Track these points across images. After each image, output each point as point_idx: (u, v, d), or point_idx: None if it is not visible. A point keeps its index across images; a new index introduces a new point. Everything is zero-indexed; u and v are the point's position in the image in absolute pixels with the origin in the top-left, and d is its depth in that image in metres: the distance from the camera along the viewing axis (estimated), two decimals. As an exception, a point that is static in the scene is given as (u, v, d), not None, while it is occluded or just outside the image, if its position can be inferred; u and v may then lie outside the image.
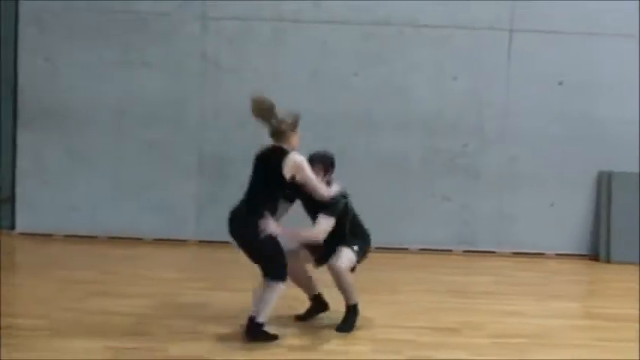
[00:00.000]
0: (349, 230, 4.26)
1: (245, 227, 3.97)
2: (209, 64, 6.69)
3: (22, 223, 6.79)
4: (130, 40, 6.66)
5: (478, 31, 6.72)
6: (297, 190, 4.10)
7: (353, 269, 4.24)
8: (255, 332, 3.94)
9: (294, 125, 4.04)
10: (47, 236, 6.69)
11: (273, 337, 3.98)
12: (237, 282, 5.13)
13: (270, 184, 4.00)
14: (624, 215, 6.73)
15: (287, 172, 3.92)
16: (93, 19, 6.63)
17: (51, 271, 5.40)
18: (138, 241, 6.71)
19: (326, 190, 4.08)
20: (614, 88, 6.78)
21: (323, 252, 4.21)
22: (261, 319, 3.94)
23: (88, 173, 6.73)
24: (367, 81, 6.71)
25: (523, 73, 6.75)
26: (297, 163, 3.93)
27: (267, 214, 3.91)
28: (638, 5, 6.71)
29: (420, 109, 6.75)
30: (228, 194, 6.61)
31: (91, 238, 6.70)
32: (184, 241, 6.78)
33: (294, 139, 4.05)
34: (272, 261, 3.96)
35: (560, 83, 6.79)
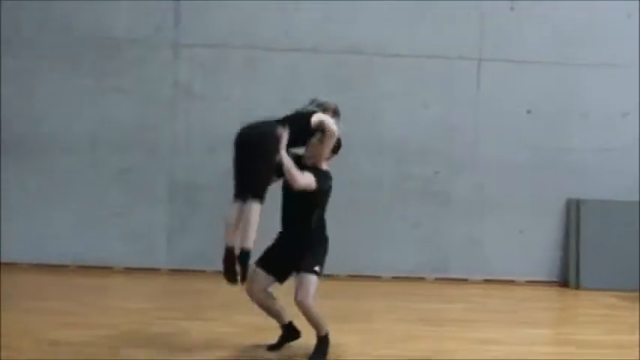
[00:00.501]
0: (315, 226, 4.20)
1: (259, 136, 3.96)
2: (181, 91, 6.68)
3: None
4: (104, 66, 6.64)
5: (448, 60, 6.81)
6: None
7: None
8: (244, 260, 3.83)
9: None
10: (15, 265, 6.56)
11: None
12: (209, 311, 5.07)
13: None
14: (593, 242, 6.81)
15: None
16: (66, 45, 6.60)
17: (17, 302, 5.27)
18: (109, 269, 6.63)
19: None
20: (582, 116, 6.91)
21: (287, 269, 4.18)
22: (248, 245, 3.83)
23: (58, 201, 6.65)
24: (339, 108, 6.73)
25: (492, 101, 6.85)
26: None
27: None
28: (606, 34, 6.87)
29: (391, 136, 6.80)
30: (200, 222, 6.68)
31: (60, 267, 6.59)
32: (156, 269, 6.71)
33: None
34: (261, 180, 3.92)
35: (529, 112, 6.90)
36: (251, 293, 4.16)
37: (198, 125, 6.65)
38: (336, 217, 6.60)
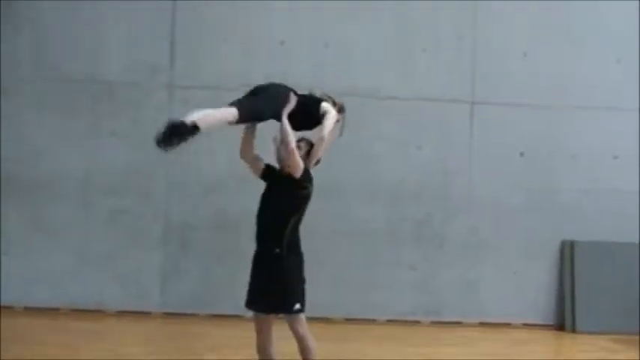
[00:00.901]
0: (288, 241, 4.16)
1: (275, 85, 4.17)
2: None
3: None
4: (99, 109, 6.66)
5: (441, 103, 6.87)
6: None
7: None
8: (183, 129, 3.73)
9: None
10: (6, 309, 6.46)
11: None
12: (203, 354, 5.01)
13: None
14: (588, 284, 6.79)
15: None
16: (61, 88, 6.63)
17: (8, 346, 5.19)
18: (101, 313, 6.55)
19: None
20: (574, 158, 6.96)
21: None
22: (196, 120, 3.75)
23: (51, 243, 6.60)
24: (333, 150, 6.75)
25: (486, 143, 6.89)
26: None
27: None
28: (596, 79, 6.96)
29: (386, 178, 6.82)
30: (193, 264, 6.64)
31: (52, 311, 6.51)
32: (148, 313, 6.63)
33: None
34: (254, 103, 4.00)
35: (522, 154, 6.94)
36: (262, 349, 4.09)
37: (192, 167, 6.65)
38: (330, 260, 6.65)
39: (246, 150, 4.25)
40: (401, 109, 6.84)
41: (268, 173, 4.26)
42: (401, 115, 6.84)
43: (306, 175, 4.19)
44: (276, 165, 4.25)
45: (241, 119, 3.91)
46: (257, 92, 4.12)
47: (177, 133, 3.78)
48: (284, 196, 4.10)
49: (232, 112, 3.88)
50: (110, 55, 6.68)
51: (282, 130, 4.07)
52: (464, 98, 6.92)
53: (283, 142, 4.07)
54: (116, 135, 6.65)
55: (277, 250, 4.06)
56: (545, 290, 6.93)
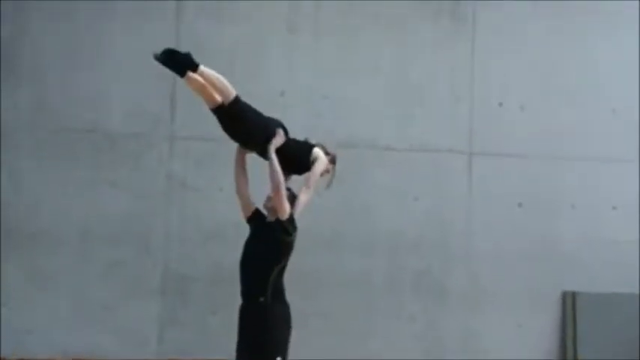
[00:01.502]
0: (272, 290, 4.10)
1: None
2: (175, 183, 6.72)
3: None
4: (99, 159, 6.69)
5: (437, 154, 6.92)
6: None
7: None
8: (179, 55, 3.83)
9: None
10: (1, 360, 6.43)
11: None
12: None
13: None
14: (591, 336, 6.72)
15: None
16: (62, 138, 6.67)
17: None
18: (97, 363, 6.48)
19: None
20: (575, 208, 6.97)
21: None
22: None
23: (47, 294, 6.55)
24: (330, 201, 6.78)
25: (483, 194, 6.92)
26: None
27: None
28: (592, 129, 7.02)
29: (383, 228, 6.81)
30: (191, 315, 6.59)
31: (47, 362, 6.45)
32: (146, 364, 6.56)
33: None
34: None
35: (520, 205, 6.95)
36: None
37: (191, 217, 6.66)
38: (329, 311, 6.61)
39: (241, 183, 4.26)
40: (398, 159, 6.88)
41: (256, 218, 4.26)
42: (398, 165, 6.88)
43: (292, 221, 4.19)
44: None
45: (234, 105, 3.92)
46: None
47: (176, 59, 3.91)
48: (268, 243, 4.10)
49: (232, 91, 3.93)
50: (111, 106, 6.74)
51: (270, 166, 4.08)
52: (461, 149, 6.97)
53: (270, 177, 4.07)
54: (116, 185, 6.67)
55: (262, 299, 4.03)
56: (547, 341, 6.86)
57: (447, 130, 6.96)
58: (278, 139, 4.22)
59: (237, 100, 4.12)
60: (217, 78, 4.05)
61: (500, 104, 7.04)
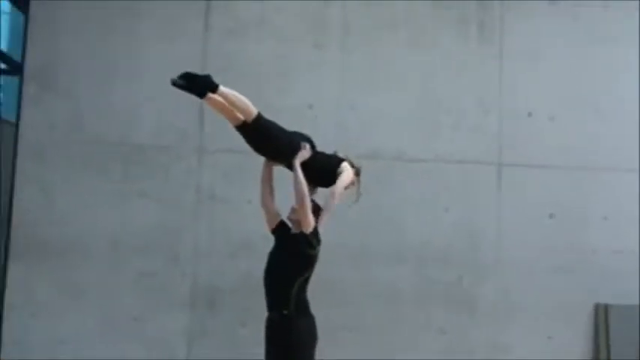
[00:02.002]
0: (295, 303, 4.09)
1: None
2: (204, 195, 6.78)
3: (8, 357, 6.60)
4: (128, 171, 6.78)
5: (466, 165, 6.88)
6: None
7: None
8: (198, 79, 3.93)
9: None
10: (31, 371, 6.50)
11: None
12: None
13: None
14: (623, 349, 6.62)
15: None
16: (92, 151, 6.77)
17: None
18: (126, 375, 6.53)
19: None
20: (606, 219, 6.88)
21: None
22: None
23: (78, 306, 6.63)
24: (357, 213, 6.76)
25: (513, 205, 6.85)
26: None
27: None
28: (624, 141, 6.94)
29: (412, 240, 6.78)
30: (220, 326, 6.61)
31: (78, 373, 6.51)
32: (174, 375, 6.60)
33: None
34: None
35: (551, 216, 6.88)
36: None
37: (220, 229, 6.70)
38: (358, 323, 6.59)
39: (266, 195, 4.29)
40: (426, 171, 6.86)
41: (280, 229, 4.26)
42: (426, 177, 6.85)
43: (316, 234, 4.19)
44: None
45: (256, 122, 3.99)
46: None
47: (195, 82, 4.03)
48: (291, 256, 4.10)
49: (254, 109, 3.99)
50: (142, 120, 6.83)
51: (295, 178, 4.10)
52: (490, 160, 6.92)
53: (295, 190, 4.08)
54: (146, 197, 6.74)
55: (285, 312, 4.04)
56: (579, 354, 6.76)
57: (476, 140, 6.93)
58: (304, 153, 4.25)
59: (259, 117, 4.17)
60: (237, 97, 4.11)
61: (530, 114, 6.99)
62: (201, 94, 4.01)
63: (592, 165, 6.92)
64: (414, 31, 7.01)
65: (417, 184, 6.85)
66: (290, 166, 4.31)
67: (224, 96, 4.08)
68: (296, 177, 4.18)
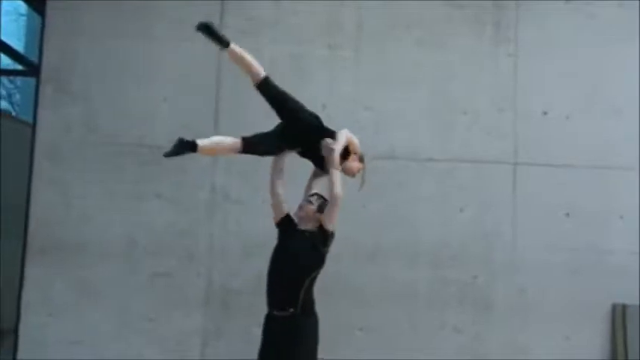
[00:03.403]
0: (302, 302, 4.09)
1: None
2: (218, 196, 6.79)
3: (24, 357, 6.65)
4: (143, 172, 6.81)
5: (482, 165, 6.85)
6: None
7: None
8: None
9: None
10: (46, 371, 6.54)
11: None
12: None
13: None
14: (641, 349, 6.57)
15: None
16: (107, 151, 6.82)
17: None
18: (141, 376, 6.56)
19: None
20: (623, 218, 6.82)
21: None
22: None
23: (94, 306, 6.68)
24: (372, 213, 6.78)
25: (529, 204, 6.81)
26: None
27: None
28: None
29: (427, 240, 6.76)
30: (235, 326, 6.63)
31: (92, 374, 6.55)
32: (189, 376, 6.62)
33: None
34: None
35: (568, 215, 6.83)
36: None
37: (234, 229, 6.72)
38: (372, 324, 6.58)
39: (276, 183, 4.32)
40: (441, 171, 6.83)
41: (286, 223, 4.25)
42: (441, 177, 6.83)
43: (333, 233, 4.20)
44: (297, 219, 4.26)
45: (245, 148, 4.14)
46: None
47: (179, 147, 4.27)
48: (306, 254, 4.08)
49: (236, 141, 4.14)
50: (157, 121, 6.86)
51: (333, 177, 4.08)
52: (506, 159, 6.88)
53: (332, 191, 4.08)
54: (161, 198, 6.77)
55: (291, 310, 4.02)
56: (596, 354, 6.70)
57: (491, 140, 6.89)
58: (339, 145, 4.29)
59: (245, 140, 4.29)
60: (218, 144, 4.47)
61: (545, 113, 6.94)
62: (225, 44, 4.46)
63: (608, 164, 6.86)
64: (429, 31, 6.99)
65: (432, 184, 6.82)
66: (309, 149, 4.38)
67: (208, 149, 4.42)
68: (335, 178, 4.18)
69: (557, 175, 6.85)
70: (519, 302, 6.73)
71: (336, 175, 4.24)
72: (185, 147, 4.18)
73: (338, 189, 4.27)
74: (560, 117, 6.93)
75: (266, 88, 4.43)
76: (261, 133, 4.49)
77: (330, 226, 4.21)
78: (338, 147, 4.35)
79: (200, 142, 4.22)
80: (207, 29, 4.47)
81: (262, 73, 4.49)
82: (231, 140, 4.30)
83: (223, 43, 4.52)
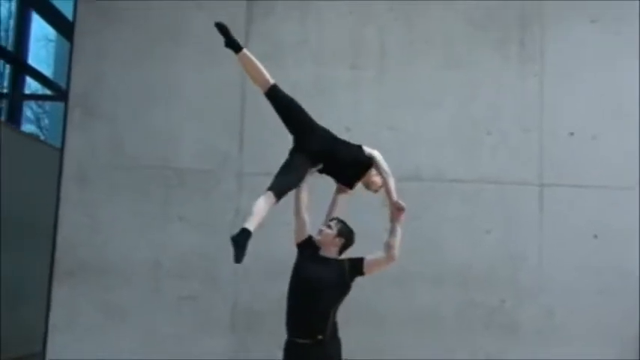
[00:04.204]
0: (329, 329, 4.06)
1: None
2: (243, 218, 6.78)
3: (52, 378, 6.70)
4: (168, 195, 6.85)
5: (508, 186, 6.79)
6: None
7: None
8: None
9: None
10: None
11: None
12: None
13: None
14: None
15: None
16: (133, 174, 6.88)
17: None
18: (167, 397, 6.55)
19: None
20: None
21: None
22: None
23: (120, 328, 6.70)
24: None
25: (556, 226, 6.73)
26: None
27: None
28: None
29: (453, 262, 6.70)
30: (260, 349, 6.59)
31: (118, 396, 6.55)
32: (215, 399, 6.59)
33: None
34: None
35: (596, 237, 6.74)
36: None
37: (259, 252, 6.69)
38: (396, 347, 6.51)
39: (301, 205, 4.33)
40: (466, 192, 6.78)
41: (307, 246, 4.24)
42: (467, 198, 6.78)
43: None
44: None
45: (279, 197, 4.15)
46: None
47: (238, 245, 4.31)
48: (331, 287, 4.05)
49: (271, 202, 4.15)
50: (182, 144, 6.92)
51: (395, 232, 4.03)
52: (532, 180, 6.82)
53: (394, 242, 4.06)
54: (186, 220, 6.80)
55: (320, 337, 4.00)
56: (626, 379, 6.58)
57: (517, 161, 6.84)
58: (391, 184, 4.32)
59: (274, 190, 4.30)
60: (260, 215, 4.35)
61: (571, 134, 6.88)
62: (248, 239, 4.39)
63: (636, 184, 6.77)
64: (452, 51, 6.98)
65: (457, 206, 6.78)
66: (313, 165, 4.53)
67: (256, 225, 4.46)
68: (396, 233, 4.16)
69: (585, 196, 6.77)
70: (547, 325, 6.64)
71: (397, 236, 4.20)
72: (241, 241, 4.16)
73: (395, 252, 4.25)
74: (587, 137, 6.86)
75: (275, 95, 4.45)
76: (281, 174, 4.47)
77: (367, 273, 4.20)
78: (391, 185, 4.37)
79: (250, 226, 4.25)
80: (222, 29, 4.54)
81: (271, 81, 4.52)
82: (267, 204, 4.28)
83: (236, 46, 4.58)
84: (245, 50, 4.64)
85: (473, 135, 6.89)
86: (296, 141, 4.63)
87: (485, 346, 6.62)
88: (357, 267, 4.25)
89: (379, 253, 4.27)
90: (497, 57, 6.98)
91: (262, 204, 4.25)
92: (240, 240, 4.19)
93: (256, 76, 4.68)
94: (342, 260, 4.30)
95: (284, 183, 4.34)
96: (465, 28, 7.01)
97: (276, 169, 6.69)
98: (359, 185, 4.87)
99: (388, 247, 4.23)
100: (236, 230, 4.52)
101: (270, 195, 4.28)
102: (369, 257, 4.30)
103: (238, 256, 4.21)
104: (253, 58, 4.67)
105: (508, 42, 6.99)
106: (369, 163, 4.54)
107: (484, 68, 6.96)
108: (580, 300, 6.63)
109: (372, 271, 4.19)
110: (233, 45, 4.58)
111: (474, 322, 6.65)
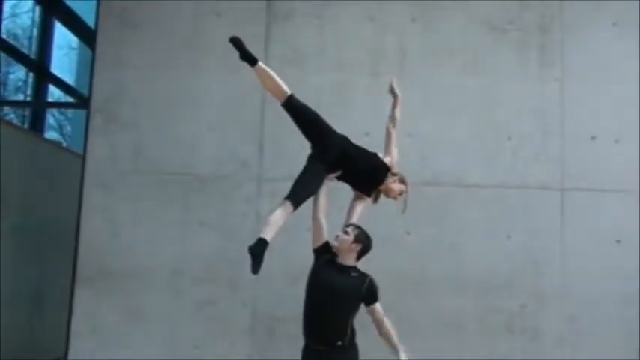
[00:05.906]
0: (350, 335, 4.05)
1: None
2: (262, 223, 6.80)
3: (74, 383, 6.75)
4: (189, 201, 6.89)
5: (528, 190, 6.75)
6: None
7: None
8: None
9: None
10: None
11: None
12: None
13: None
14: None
15: None
16: (154, 181, 6.93)
17: None
18: (188, 404, 6.57)
19: None
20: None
21: None
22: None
23: (141, 333, 6.74)
24: (418, 240, 6.72)
25: (578, 231, 6.68)
26: None
27: None
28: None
29: (474, 267, 6.67)
30: (280, 354, 6.60)
31: (139, 401, 6.59)
32: (235, 404, 6.61)
33: None
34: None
35: (619, 242, 6.67)
36: None
37: (279, 257, 6.71)
38: (417, 352, 6.48)
39: (319, 209, 4.34)
40: (487, 197, 6.75)
41: (324, 252, 4.24)
42: (487, 203, 6.75)
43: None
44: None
45: (296, 206, 4.15)
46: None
47: (255, 255, 4.34)
48: (351, 298, 4.07)
49: (288, 211, 4.16)
50: (202, 151, 6.96)
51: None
52: (553, 185, 6.77)
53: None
54: (206, 226, 6.84)
55: (340, 343, 4.01)
56: (651, 388, 6.49)
57: (538, 165, 6.80)
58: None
59: (292, 201, 4.40)
60: (277, 224, 4.47)
61: (593, 138, 6.82)
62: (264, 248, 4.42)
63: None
64: (472, 57, 6.97)
65: (478, 211, 6.75)
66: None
67: (272, 234, 4.49)
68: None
69: (607, 200, 6.71)
70: (569, 331, 6.58)
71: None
72: (257, 251, 4.25)
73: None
74: (609, 141, 6.81)
75: (292, 106, 4.46)
76: (298, 183, 4.49)
77: (368, 312, 4.22)
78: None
79: (266, 236, 4.32)
80: (237, 43, 4.57)
81: (288, 92, 4.53)
82: (284, 214, 4.32)
83: (251, 59, 4.58)
84: (260, 63, 4.65)
85: (493, 140, 6.86)
86: (314, 149, 4.63)
87: (506, 352, 6.57)
88: (370, 297, 4.25)
89: (382, 316, 4.25)
90: (517, 61, 6.95)
91: (279, 214, 4.28)
92: (257, 250, 4.20)
93: (272, 88, 4.68)
94: (364, 277, 4.29)
95: (301, 192, 4.36)
96: (484, 33, 7.00)
97: (295, 174, 6.70)
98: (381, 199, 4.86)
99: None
100: (256, 236, 4.52)
101: (288, 204, 4.30)
102: (378, 308, 4.28)
103: (255, 267, 4.21)
104: (269, 69, 4.68)
105: (528, 46, 6.96)
106: (386, 167, 4.54)
107: (504, 73, 6.93)
108: (602, 306, 6.56)
109: (369, 313, 4.19)
110: (248, 58, 4.59)
111: (494, 328, 6.61)
